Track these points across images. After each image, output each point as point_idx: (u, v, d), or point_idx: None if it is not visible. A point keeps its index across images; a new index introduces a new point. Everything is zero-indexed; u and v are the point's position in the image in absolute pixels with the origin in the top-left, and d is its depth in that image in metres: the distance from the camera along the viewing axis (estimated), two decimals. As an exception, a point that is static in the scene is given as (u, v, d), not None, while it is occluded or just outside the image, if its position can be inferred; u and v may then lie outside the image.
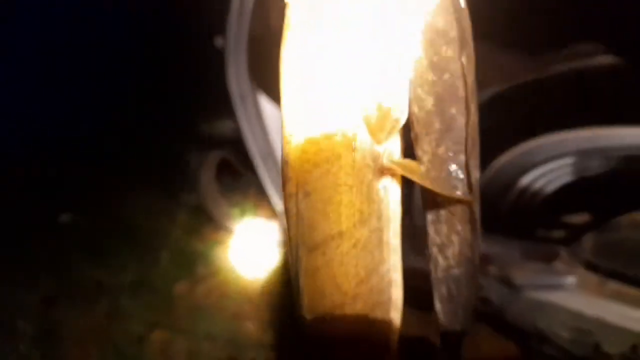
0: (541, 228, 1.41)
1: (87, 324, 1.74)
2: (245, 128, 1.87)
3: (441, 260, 0.49)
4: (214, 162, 2.24)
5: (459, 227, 0.46)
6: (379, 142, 0.43)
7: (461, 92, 0.41)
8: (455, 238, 0.47)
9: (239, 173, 2.24)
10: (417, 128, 0.44)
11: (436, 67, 0.41)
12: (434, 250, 0.49)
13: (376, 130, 0.42)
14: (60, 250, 2.10)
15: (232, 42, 1.79)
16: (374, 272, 0.46)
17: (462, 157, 0.43)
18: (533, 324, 1.35)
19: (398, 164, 0.44)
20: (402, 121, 0.43)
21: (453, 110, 0.42)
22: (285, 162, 0.46)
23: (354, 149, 0.43)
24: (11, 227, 2.31)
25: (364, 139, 0.43)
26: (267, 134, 1.91)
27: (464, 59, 0.41)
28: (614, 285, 1.28)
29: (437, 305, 0.51)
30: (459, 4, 0.41)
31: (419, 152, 0.45)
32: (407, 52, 0.42)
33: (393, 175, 0.45)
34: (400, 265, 0.48)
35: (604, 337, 1.24)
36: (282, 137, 0.46)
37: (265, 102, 1.90)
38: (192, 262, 2.10)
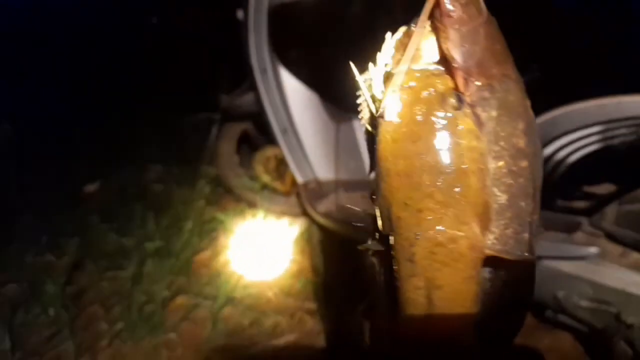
0: (563, 198, 1.34)
1: (112, 287, 1.74)
2: (265, 101, 1.82)
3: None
4: (235, 134, 2.20)
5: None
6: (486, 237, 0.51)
7: (530, 190, 0.51)
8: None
9: (259, 145, 2.20)
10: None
11: (514, 174, 0.50)
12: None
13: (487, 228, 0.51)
14: (87, 219, 2.10)
15: (253, 15, 1.73)
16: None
17: (526, 236, 0.52)
18: (552, 294, 1.30)
19: (494, 249, 0.52)
20: None
21: (522, 204, 0.51)
22: (409, 260, 0.53)
23: (476, 249, 0.51)
24: (40, 196, 2.32)
25: (480, 238, 0.51)
26: (288, 107, 1.86)
27: (535, 168, 0.51)
28: (636, 256, 1.21)
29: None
30: (534, 127, 0.50)
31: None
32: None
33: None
34: None
35: (625, 307, 1.19)
36: (404, 240, 0.53)
37: (286, 76, 1.84)
38: (214, 231, 2.09)
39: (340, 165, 1.94)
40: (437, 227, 0.51)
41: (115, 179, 2.29)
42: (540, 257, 1.30)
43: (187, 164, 2.63)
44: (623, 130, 1.20)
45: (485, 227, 0.51)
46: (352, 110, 1.92)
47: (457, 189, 0.50)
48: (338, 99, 1.93)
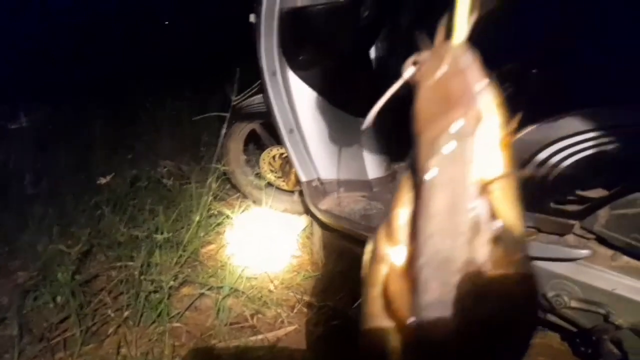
0: (556, 201, 1.32)
1: (121, 277, 1.71)
2: (273, 102, 1.81)
3: None
4: (243, 134, 2.18)
5: None
6: None
7: None
8: None
9: (265, 145, 2.18)
10: None
11: None
12: None
13: None
14: (98, 210, 2.07)
15: (264, 19, 1.72)
16: None
17: None
18: (542, 294, 1.27)
19: None
20: None
21: None
22: None
23: None
24: (53, 187, 2.30)
25: None
26: (295, 109, 1.84)
27: None
28: (626, 259, 1.19)
29: None
30: None
31: None
32: None
33: None
34: None
35: (614, 309, 1.17)
36: None
37: (294, 79, 1.83)
38: (220, 226, 2.07)
39: (342, 166, 1.92)
40: None
41: (127, 172, 2.27)
42: (532, 258, 1.28)
43: (196, 160, 2.62)
44: (616, 138, 1.18)
45: None
46: (355, 113, 1.89)
47: None
48: (343, 102, 1.92)
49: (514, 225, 0.45)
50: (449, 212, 0.42)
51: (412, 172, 0.48)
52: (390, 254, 0.48)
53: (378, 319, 0.51)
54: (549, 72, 1.30)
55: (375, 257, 0.50)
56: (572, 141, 1.23)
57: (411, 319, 0.46)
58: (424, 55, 0.45)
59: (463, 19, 0.44)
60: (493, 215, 0.44)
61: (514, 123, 0.46)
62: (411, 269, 0.46)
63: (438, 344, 0.45)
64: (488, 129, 0.43)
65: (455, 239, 0.43)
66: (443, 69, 0.43)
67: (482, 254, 0.44)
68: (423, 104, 0.44)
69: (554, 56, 1.25)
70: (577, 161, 1.26)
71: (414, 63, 0.46)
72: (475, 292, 0.44)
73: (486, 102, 0.43)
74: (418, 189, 0.44)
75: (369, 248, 0.52)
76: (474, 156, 0.42)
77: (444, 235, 0.43)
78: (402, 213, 0.48)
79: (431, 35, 0.46)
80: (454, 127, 0.41)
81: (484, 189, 0.44)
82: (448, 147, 0.41)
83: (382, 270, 0.49)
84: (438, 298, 0.44)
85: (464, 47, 0.44)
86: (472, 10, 0.44)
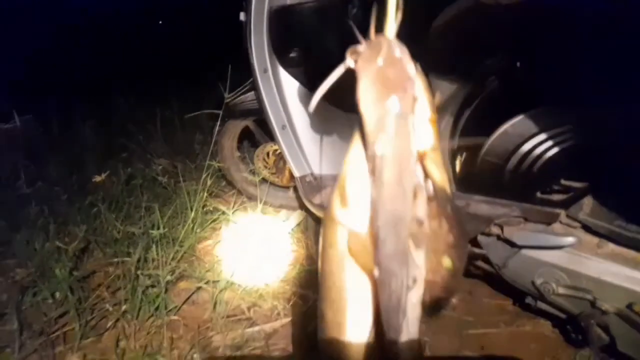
0: (542, 191, 1.35)
1: (118, 272, 1.73)
2: (265, 99, 1.83)
3: None
4: (237, 131, 2.20)
5: None
6: None
7: None
8: None
9: (259, 141, 2.21)
10: None
11: None
12: None
13: None
14: (95, 208, 2.08)
15: (253, 17, 1.74)
16: None
17: None
18: (531, 281, 1.30)
19: None
20: None
21: None
22: None
23: None
24: (49, 186, 2.31)
25: None
26: (287, 106, 1.87)
27: None
28: (612, 246, 1.22)
29: None
30: None
31: None
32: None
33: None
34: None
35: (600, 294, 1.20)
36: None
37: (285, 76, 1.85)
38: (216, 221, 2.09)
39: (334, 160, 1.95)
40: None
41: (122, 170, 2.28)
42: (520, 247, 1.31)
43: (191, 158, 2.64)
44: (595, 131, 1.21)
45: None
46: (346, 108, 1.91)
47: None
48: (334, 98, 1.94)
49: (444, 185, 0.54)
50: (397, 180, 0.49)
51: (359, 146, 0.55)
52: (341, 216, 0.55)
53: (336, 275, 0.58)
54: (532, 66, 1.33)
55: (329, 219, 0.57)
56: (555, 132, 1.26)
57: (375, 270, 0.53)
58: (361, 47, 0.50)
59: (392, 17, 0.50)
60: (427, 179, 0.53)
61: (436, 102, 0.55)
62: (371, 229, 0.53)
63: (395, 286, 0.53)
64: (420, 108, 0.52)
65: (404, 201, 0.50)
66: (380, 59, 0.48)
67: (423, 210, 0.53)
68: (365, 89, 0.48)
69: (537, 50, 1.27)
70: (560, 152, 1.29)
71: (353, 53, 0.50)
72: (420, 241, 0.53)
73: (417, 85, 0.50)
74: (370, 162, 0.50)
75: (324, 213, 0.59)
76: (414, 131, 0.49)
77: (395, 199, 0.50)
78: (350, 178, 0.55)
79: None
80: (396, 108, 0.47)
81: (419, 157, 0.52)
82: (392, 125, 0.47)
83: (337, 230, 0.56)
84: (395, 250, 0.52)
85: (395, 40, 0.50)
86: (397, 9, 0.51)
